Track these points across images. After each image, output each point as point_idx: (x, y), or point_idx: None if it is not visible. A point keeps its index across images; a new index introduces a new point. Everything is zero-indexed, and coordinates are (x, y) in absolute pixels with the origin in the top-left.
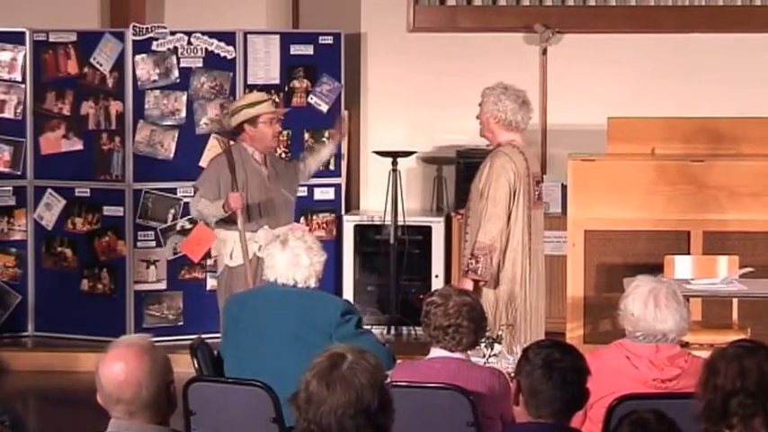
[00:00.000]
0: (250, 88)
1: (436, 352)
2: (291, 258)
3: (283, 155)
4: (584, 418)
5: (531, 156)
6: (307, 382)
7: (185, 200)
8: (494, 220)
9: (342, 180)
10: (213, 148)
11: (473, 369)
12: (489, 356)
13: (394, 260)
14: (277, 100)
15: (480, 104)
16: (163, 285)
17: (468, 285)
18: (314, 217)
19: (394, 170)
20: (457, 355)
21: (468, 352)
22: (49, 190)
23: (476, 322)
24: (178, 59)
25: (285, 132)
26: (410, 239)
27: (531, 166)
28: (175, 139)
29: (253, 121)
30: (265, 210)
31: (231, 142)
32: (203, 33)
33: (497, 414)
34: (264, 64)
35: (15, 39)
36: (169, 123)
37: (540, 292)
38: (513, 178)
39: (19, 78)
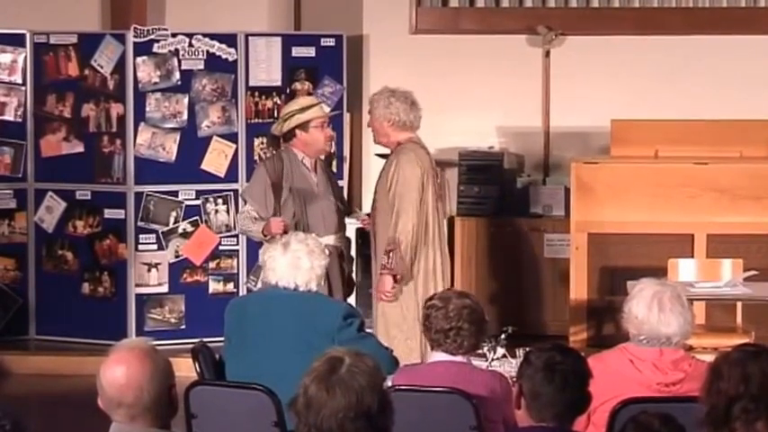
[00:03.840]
0: (251, 91)
1: (438, 355)
2: (292, 261)
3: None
4: (587, 422)
5: (429, 150)
6: (305, 386)
7: (187, 202)
8: (403, 215)
9: (344, 182)
10: (215, 151)
11: (475, 372)
12: (492, 360)
13: None
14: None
15: (370, 111)
16: (164, 289)
17: (388, 282)
18: None
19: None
20: (459, 358)
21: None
22: (50, 193)
23: (477, 325)
24: (179, 61)
25: None
26: None
27: (432, 160)
28: (177, 142)
29: (304, 125)
30: (314, 218)
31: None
32: (204, 35)
33: (500, 417)
34: (266, 66)
35: (16, 41)
36: (170, 126)
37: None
38: (421, 173)
39: (19, 80)
